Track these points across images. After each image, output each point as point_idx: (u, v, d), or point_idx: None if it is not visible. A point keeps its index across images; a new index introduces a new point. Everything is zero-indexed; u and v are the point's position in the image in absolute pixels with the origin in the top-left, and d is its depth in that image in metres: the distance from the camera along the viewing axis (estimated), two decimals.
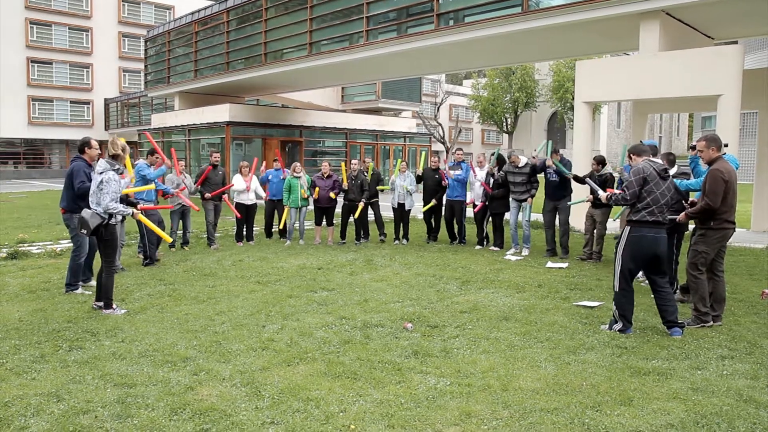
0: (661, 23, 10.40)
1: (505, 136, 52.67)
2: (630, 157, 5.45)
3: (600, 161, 8.85)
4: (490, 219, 10.11)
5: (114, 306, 5.91)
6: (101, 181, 5.75)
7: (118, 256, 5.98)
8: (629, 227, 5.23)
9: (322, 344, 4.90)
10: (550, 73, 46.70)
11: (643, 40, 10.62)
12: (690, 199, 6.23)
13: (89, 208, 5.84)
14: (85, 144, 6.70)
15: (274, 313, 5.90)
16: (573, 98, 13.64)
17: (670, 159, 6.86)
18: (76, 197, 6.56)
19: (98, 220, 5.72)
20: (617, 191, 5.85)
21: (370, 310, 5.99)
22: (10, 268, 8.07)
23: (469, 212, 10.68)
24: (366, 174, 10.57)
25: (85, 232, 5.74)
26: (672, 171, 6.40)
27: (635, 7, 10.39)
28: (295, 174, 10.42)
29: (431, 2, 13.59)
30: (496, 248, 9.91)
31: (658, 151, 7.72)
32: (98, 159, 6.13)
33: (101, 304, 5.91)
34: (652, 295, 6.27)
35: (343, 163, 10.60)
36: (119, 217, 5.96)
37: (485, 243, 10.22)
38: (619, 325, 5.28)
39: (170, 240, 7.44)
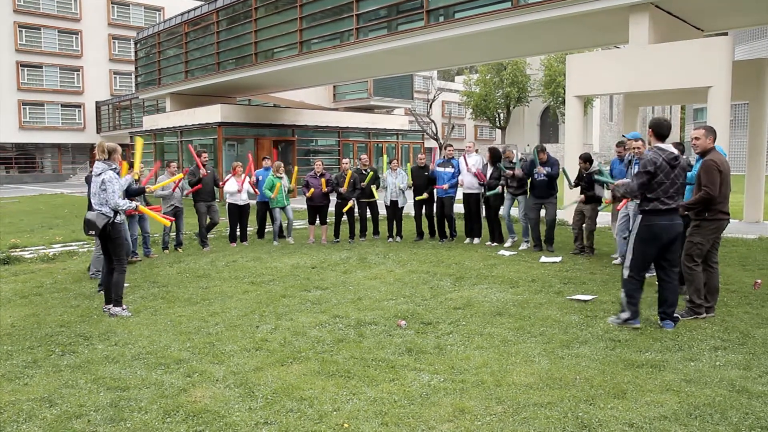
0: (650, 16, 10.43)
1: (498, 131, 52.71)
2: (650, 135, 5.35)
3: (586, 159, 8.84)
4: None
5: (123, 306, 5.97)
6: (102, 182, 5.85)
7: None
8: (641, 216, 5.16)
9: (316, 343, 4.90)
10: (542, 67, 46.71)
11: (633, 33, 10.64)
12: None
13: (92, 210, 5.93)
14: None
15: (267, 313, 5.89)
16: (565, 92, 13.65)
17: (680, 149, 6.84)
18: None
19: (104, 219, 5.84)
20: (626, 180, 5.74)
21: (364, 308, 5.99)
22: (2, 273, 8.03)
23: (459, 208, 10.67)
24: (360, 174, 10.59)
25: (93, 233, 5.86)
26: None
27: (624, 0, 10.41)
28: (277, 175, 10.42)
29: None
30: (494, 243, 9.91)
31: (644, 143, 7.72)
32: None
33: (110, 305, 5.96)
34: (654, 285, 6.31)
35: (349, 171, 10.47)
36: (123, 215, 6.05)
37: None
38: (626, 314, 5.20)
39: (168, 224, 7.58)
